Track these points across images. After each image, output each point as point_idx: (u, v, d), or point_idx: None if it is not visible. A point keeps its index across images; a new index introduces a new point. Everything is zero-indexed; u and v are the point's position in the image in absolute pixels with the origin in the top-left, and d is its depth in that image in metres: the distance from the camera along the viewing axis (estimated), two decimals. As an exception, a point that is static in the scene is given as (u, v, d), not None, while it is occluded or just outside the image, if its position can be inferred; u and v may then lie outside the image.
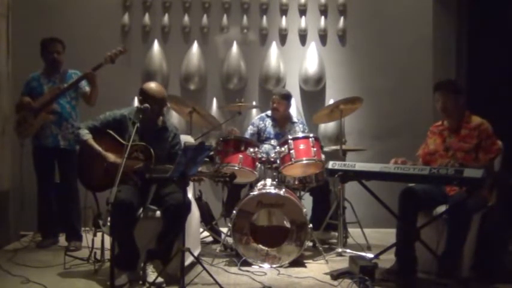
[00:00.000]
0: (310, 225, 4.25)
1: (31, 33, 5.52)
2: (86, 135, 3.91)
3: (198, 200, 4.90)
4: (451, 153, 3.89)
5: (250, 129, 5.18)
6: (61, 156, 4.68)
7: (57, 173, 4.79)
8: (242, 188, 4.95)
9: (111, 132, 3.95)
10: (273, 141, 5.02)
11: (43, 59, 4.77)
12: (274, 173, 4.57)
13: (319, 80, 5.81)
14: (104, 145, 3.92)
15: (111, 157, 3.86)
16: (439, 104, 3.92)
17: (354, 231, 4.92)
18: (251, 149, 4.43)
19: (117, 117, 3.98)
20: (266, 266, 4.16)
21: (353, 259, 3.92)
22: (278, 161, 4.47)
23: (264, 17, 5.90)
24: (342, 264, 4.15)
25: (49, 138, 4.65)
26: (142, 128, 3.88)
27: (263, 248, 4.20)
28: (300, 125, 5.16)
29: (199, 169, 3.77)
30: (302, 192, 4.89)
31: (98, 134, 3.94)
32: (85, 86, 4.68)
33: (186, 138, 4.36)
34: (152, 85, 4.01)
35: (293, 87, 5.80)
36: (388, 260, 3.94)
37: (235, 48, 5.82)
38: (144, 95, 3.93)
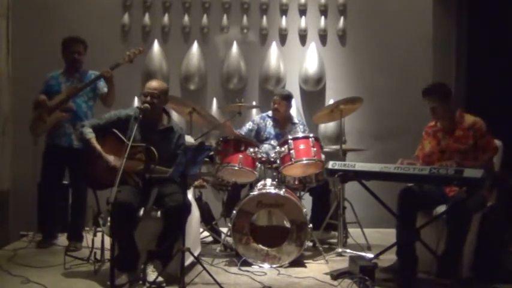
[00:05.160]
0: (310, 225, 4.25)
1: (31, 33, 5.53)
2: (89, 134, 3.89)
3: (198, 200, 4.90)
4: (448, 155, 3.89)
5: (248, 125, 5.18)
6: (73, 157, 4.57)
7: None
8: (242, 188, 4.95)
9: (115, 131, 3.92)
10: (273, 141, 5.02)
11: (63, 58, 4.73)
12: (274, 173, 4.57)
13: (319, 80, 5.81)
14: (108, 144, 3.90)
15: (112, 160, 3.84)
16: (429, 109, 3.94)
17: (354, 231, 4.92)
18: (251, 149, 4.43)
19: (122, 116, 3.97)
20: (266, 266, 4.16)
21: (353, 259, 3.92)
22: (278, 161, 4.47)
23: (264, 17, 5.90)
24: (342, 264, 4.15)
25: (62, 138, 4.61)
26: (146, 128, 3.88)
27: (263, 248, 4.20)
28: (301, 126, 5.16)
29: (202, 177, 3.80)
30: (302, 192, 4.89)
31: (102, 133, 3.93)
32: (103, 87, 4.65)
33: (186, 138, 4.36)
34: (150, 80, 4.08)
35: (293, 87, 5.80)
36: (388, 260, 3.94)
37: (235, 48, 5.82)
38: (143, 89, 3.98)
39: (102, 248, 4.00)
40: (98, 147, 3.88)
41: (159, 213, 3.81)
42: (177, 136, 4.03)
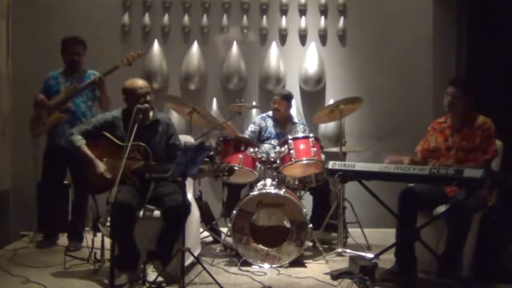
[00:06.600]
0: (310, 225, 4.25)
1: (31, 33, 5.53)
2: (79, 141, 3.92)
3: (198, 200, 4.90)
4: (453, 152, 3.90)
5: (251, 127, 5.18)
6: (74, 156, 4.59)
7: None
8: (242, 188, 4.95)
9: (107, 134, 3.94)
10: (273, 141, 5.02)
11: (62, 58, 4.73)
12: (274, 173, 4.57)
13: (319, 80, 5.81)
14: (100, 147, 3.92)
15: (101, 168, 3.84)
16: (448, 98, 3.92)
17: (354, 231, 4.92)
18: (251, 149, 4.43)
19: (109, 119, 4.00)
20: (266, 266, 4.16)
21: (353, 259, 3.93)
22: (278, 161, 4.47)
23: (264, 17, 5.90)
24: (342, 264, 4.15)
25: (62, 138, 4.58)
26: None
27: (263, 248, 4.20)
28: (301, 126, 5.16)
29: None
30: (302, 192, 4.89)
31: (92, 137, 3.95)
32: (97, 90, 4.68)
33: (186, 138, 4.35)
34: (135, 80, 4.01)
35: (293, 87, 5.80)
36: (388, 260, 3.94)
37: (235, 48, 5.82)
38: (123, 91, 3.97)
39: (102, 248, 4.01)
40: (89, 153, 3.89)
41: (158, 212, 3.81)
42: (166, 125, 4.04)
